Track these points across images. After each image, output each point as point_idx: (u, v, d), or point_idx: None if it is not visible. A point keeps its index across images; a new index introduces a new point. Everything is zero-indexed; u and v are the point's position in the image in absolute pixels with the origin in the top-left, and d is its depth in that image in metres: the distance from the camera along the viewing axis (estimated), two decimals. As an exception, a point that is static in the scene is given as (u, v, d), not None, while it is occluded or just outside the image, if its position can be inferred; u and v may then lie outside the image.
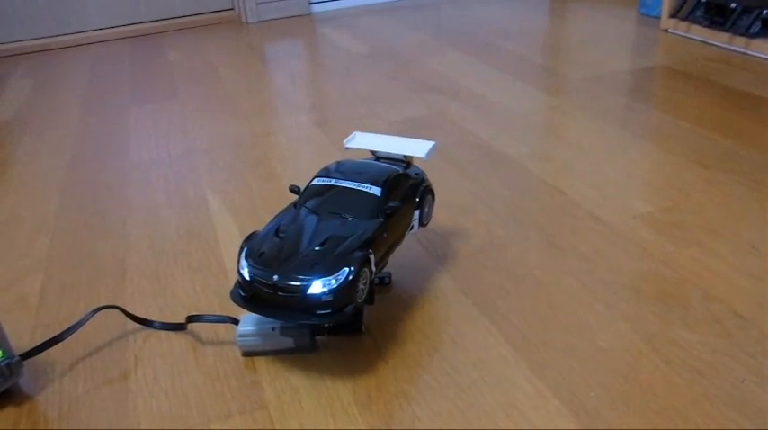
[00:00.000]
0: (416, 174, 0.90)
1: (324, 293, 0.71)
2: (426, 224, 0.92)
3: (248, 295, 0.75)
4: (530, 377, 0.75)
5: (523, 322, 0.83)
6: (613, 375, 0.74)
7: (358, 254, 0.74)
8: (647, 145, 1.28)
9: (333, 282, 0.71)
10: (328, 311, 0.72)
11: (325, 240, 0.76)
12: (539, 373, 0.75)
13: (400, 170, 0.87)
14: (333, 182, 0.83)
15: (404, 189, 0.86)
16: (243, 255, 0.76)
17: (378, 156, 0.93)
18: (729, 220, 1.01)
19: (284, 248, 0.76)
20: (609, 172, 1.19)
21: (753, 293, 0.85)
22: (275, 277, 0.72)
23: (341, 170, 0.86)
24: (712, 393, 0.71)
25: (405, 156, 0.92)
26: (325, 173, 0.86)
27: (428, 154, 0.90)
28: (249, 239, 0.78)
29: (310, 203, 0.82)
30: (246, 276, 0.74)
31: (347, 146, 0.93)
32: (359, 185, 0.83)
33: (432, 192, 0.91)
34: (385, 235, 0.80)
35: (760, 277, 0.88)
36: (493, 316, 0.85)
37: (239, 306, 0.75)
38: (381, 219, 0.80)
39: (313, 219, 0.80)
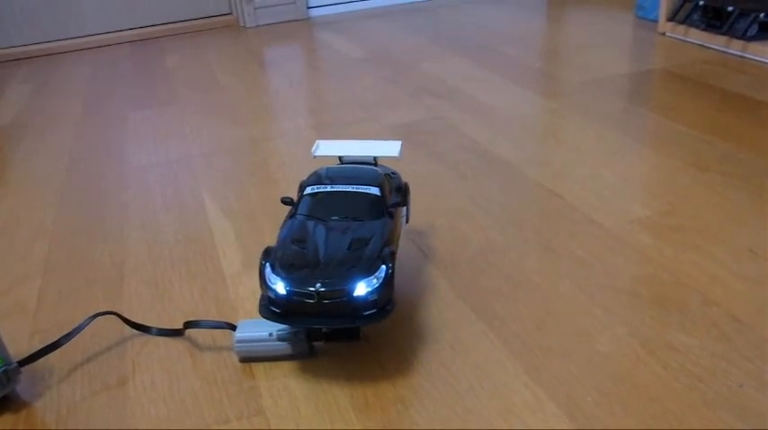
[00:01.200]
0: (393, 173, 0.92)
1: (369, 293, 0.72)
2: (408, 221, 0.94)
3: (285, 309, 0.73)
4: (527, 382, 0.75)
5: (521, 327, 0.83)
6: (611, 380, 0.74)
7: (387, 250, 0.75)
8: (644, 148, 1.28)
9: (375, 281, 0.72)
10: (374, 311, 0.73)
11: (350, 243, 0.76)
12: (536, 378, 0.75)
13: (385, 171, 0.89)
14: (329, 188, 0.83)
15: (393, 188, 0.88)
16: (268, 271, 0.74)
17: (344, 161, 0.93)
18: (727, 224, 1.01)
19: (312, 257, 0.74)
20: (607, 176, 1.19)
21: (751, 297, 0.85)
22: (317, 285, 0.71)
23: (331, 176, 0.85)
24: (710, 398, 0.71)
25: (374, 158, 0.93)
26: (316, 180, 0.85)
27: (400, 153, 0.93)
28: (267, 254, 0.76)
29: (314, 211, 0.81)
30: (282, 290, 0.72)
31: (315, 155, 0.92)
32: (357, 188, 0.83)
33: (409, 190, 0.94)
34: (395, 231, 0.82)
35: (758, 281, 0.88)
36: (490, 321, 0.85)
37: (277, 322, 0.74)
38: (387, 218, 0.81)
39: (324, 225, 0.79)
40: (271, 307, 0.74)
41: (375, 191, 0.83)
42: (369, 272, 0.73)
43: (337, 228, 0.79)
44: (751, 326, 0.80)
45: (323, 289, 0.71)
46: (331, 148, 0.94)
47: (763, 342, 0.78)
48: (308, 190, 0.84)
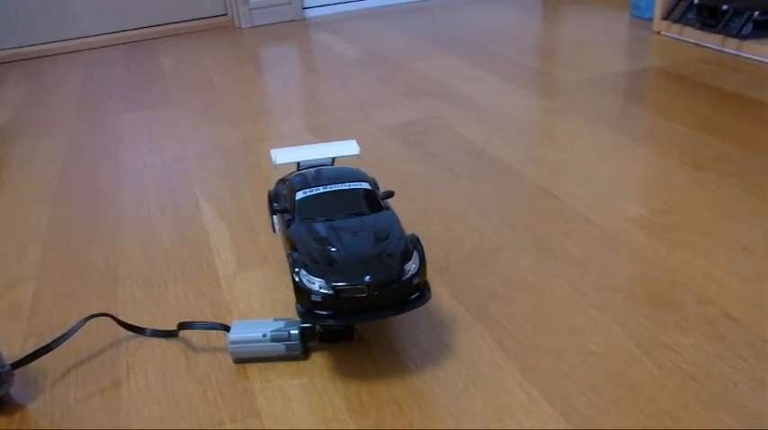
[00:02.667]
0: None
1: (412, 277, 0.73)
2: None
3: (334, 309, 0.72)
4: (521, 382, 0.74)
5: (515, 327, 0.83)
6: (605, 379, 0.74)
7: (411, 236, 0.78)
8: (639, 147, 1.28)
9: (414, 266, 0.74)
10: (417, 295, 0.74)
11: (375, 236, 0.77)
12: (530, 378, 0.75)
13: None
14: (322, 189, 0.83)
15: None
16: (305, 276, 0.73)
17: (301, 167, 0.93)
18: (722, 222, 1.01)
19: (345, 254, 0.74)
20: (602, 175, 1.19)
21: (746, 296, 0.85)
22: (367, 278, 0.72)
23: (317, 178, 0.85)
24: (705, 397, 0.71)
25: (333, 160, 0.94)
26: (302, 185, 0.84)
27: (360, 151, 0.94)
28: (296, 262, 0.74)
29: (315, 213, 0.81)
30: (329, 290, 0.71)
31: (276, 163, 0.91)
32: (349, 185, 0.84)
33: None
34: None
35: (753, 279, 0.88)
36: (485, 321, 0.85)
37: (325, 325, 0.73)
38: (386, 209, 0.83)
39: (334, 224, 0.79)
40: (315, 310, 0.73)
41: (366, 185, 0.84)
42: (406, 258, 0.74)
43: (350, 224, 0.79)
44: (746, 324, 0.80)
45: (373, 281, 0.71)
46: (290, 155, 0.94)
47: (758, 340, 0.78)
48: (300, 194, 0.83)
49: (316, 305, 0.72)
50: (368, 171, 1.28)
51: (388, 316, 0.73)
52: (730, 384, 0.72)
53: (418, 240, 0.77)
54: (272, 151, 0.94)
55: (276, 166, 0.92)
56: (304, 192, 0.83)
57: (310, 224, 0.79)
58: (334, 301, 0.72)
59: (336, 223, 0.79)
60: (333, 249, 0.75)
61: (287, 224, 0.82)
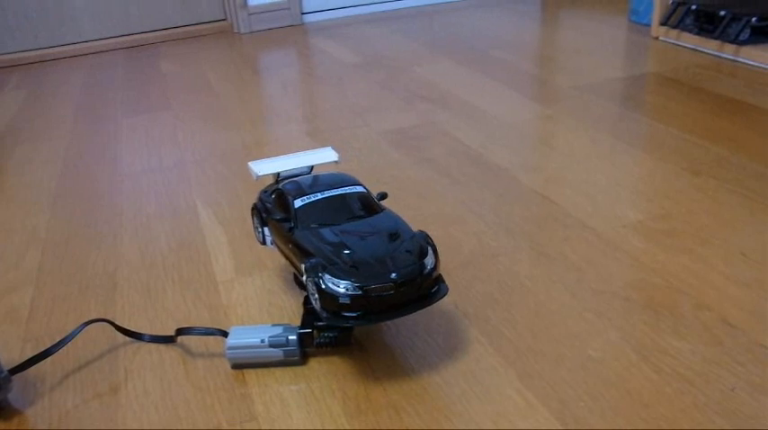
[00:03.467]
0: None
1: (431, 271, 0.75)
2: None
3: (363, 309, 0.72)
4: (519, 387, 0.75)
5: (513, 332, 0.83)
6: (603, 385, 0.74)
7: (420, 233, 0.79)
8: (638, 153, 1.28)
9: (431, 260, 0.76)
10: (436, 289, 0.76)
11: (386, 235, 0.78)
12: (528, 383, 0.75)
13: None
14: (320, 195, 0.83)
15: None
16: (330, 280, 0.72)
17: (279, 178, 0.93)
18: (720, 228, 1.02)
19: (366, 255, 0.75)
20: (600, 180, 1.19)
21: (743, 301, 0.85)
22: (393, 275, 0.72)
23: (313, 184, 0.85)
24: (702, 402, 0.71)
25: (311, 167, 0.94)
26: (299, 193, 0.83)
27: (339, 157, 0.95)
28: (316, 266, 0.74)
29: (319, 219, 0.81)
30: (358, 291, 0.71)
31: (259, 174, 0.91)
32: (346, 190, 0.84)
33: None
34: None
35: (750, 285, 0.88)
36: (483, 326, 0.85)
37: (355, 325, 0.73)
38: (383, 210, 0.84)
39: (341, 228, 0.79)
40: (343, 313, 0.72)
41: (361, 189, 0.85)
42: (423, 253, 0.76)
43: (358, 227, 0.79)
44: (743, 329, 0.80)
45: (399, 277, 0.72)
46: (270, 166, 0.94)
47: (756, 346, 0.78)
48: (299, 202, 0.82)
49: (344, 307, 0.72)
50: (366, 176, 1.28)
51: (414, 311, 0.74)
52: (728, 389, 0.72)
53: (428, 236, 0.79)
54: (250, 164, 0.94)
55: (258, 178, 0.92)
56: (302, 200, 0.82)
57: (315, 230, 0.79)
58: (363, 302, 0.72)
59: (344, 227, 0.79)
60: (350, 251, 0.75)
61: (288, 232, 0.82)
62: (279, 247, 0.86)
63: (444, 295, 0.76)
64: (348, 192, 0.84)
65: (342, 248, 0.76)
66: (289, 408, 0.75)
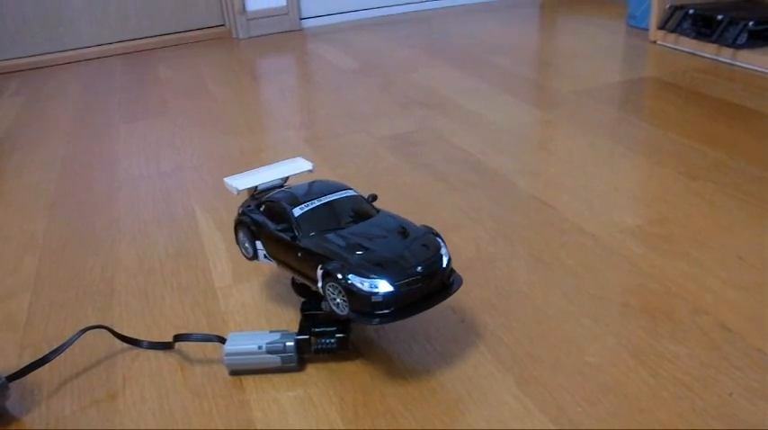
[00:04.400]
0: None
1: (448, 263, 0.77)
2: None
3: (396, 304, 0.73)
4: (517, 393, 0.74)
5: (511, 338, 0.83)
6: (601, 390, 0.74)
7: (427, 228, 0.81)
8: (635, 157, 1.29)
9: (446, 252, 0.78)
10: (452, 280, 0.78)
11: (396, 233, 0.79)
12: (525, 389, 0.75)
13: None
14: (317, 203, 0.83)
15: None
16: (360, 280, 0.72)
17: (257, 191, 0.92)
18: (717, 232, 1.02)
19: (386, 252, 0.75)
20: (597, 185, 1.19)
21: (741, 305, 0.85)
22: (419, 268, 0.74)
23: (307, 193, 0.85)
24: (700, 407, 0.71)
25: (286, 178, 0.94)
26: (294, 202, 0.83)
27: (313, 166, 0.95)
28: (340, 269, 0.73)
29: (322, 225, 0.80)
30: (389, 287, 0.72)
31: (240, 189, 0.90)
32: (340, 195, 0.84)
33: None
34: None
35: (748, 289, 0.88)
36: (480, 332, 0.85)
37: (391, 322, 0.73)
38: (380, 211, 0.85)
39: (350, 230, 0.79)
40: (377, 311, 0.72)
41: (353, 192, 0.86)
42: (438, 246, 0.78)
43: (364, 228, 0.80)
44: (741, 334, 0.80)
45: (425, 270, 0.74)
46: (249, 180, 0.93)
47: (753, 350, 0.78)
48: (299, 210, 0.82)
49: (376, 306, 0.72)
50: (364, 181, 1.28)
51: (437, 302, 0.75)
52: (725, 394, 0.72)
53: (433, 229, 0.81)
54: (227, 180, 0.93)
55: (239, 192, 0.91)
56: (301, 208, 0.82)
57: (322, 236, 0.79)
58: (396, 297, 0.72)
59: (349, 230, 0.80)
60: (368, 251, 0.75)
61: (292, 242, 0.81)
62: (278, 259, 0.85)
63: (461, 285, 0.79)
64: (343, 196, 0.84)
65: (357, 249, 0.76)
66: (286, 415, 0.75)
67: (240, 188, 0.91)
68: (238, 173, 1.00)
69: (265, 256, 0.86)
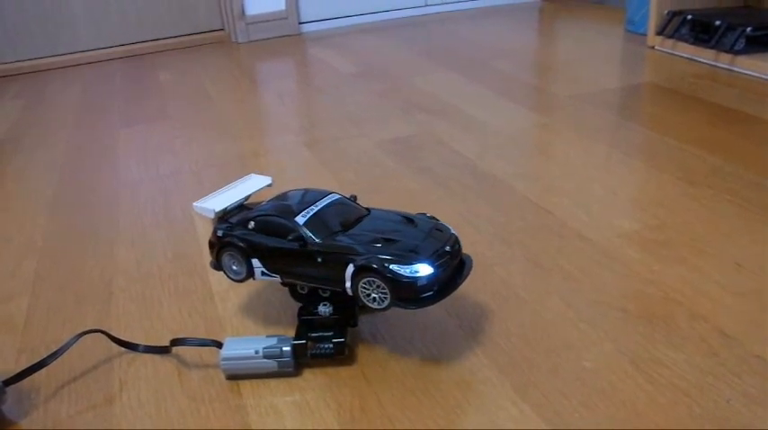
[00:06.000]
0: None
1: (460, 242, 0.82)
2: None
3: (438, 285, 0.76)
4: (514, 398, 0.74)
5: (508, 343, 0.83)
6: (598, 395, 0.74)
7: (426, 215, 0.84)
8: (634, 162, 1.29)
9: (456, 232, 0.82)
10: (464, 259, 0.82)
11: (404, 223, 0.82)
12: (523, 394, 0.75)
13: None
14: (315, 208, 0.82)
15: None
16: (402, 268, 0.74)
17: (223, 213, 0.90)
18: (716, 238, 1.02)
19: (408, 239, 0.77)
20: (596, 190, 1.19)
21: (738, 312, 0.85)
22: (447, 248, 0.77)
23: (301, 202, 0.84)
24: (697, 413, 0.71)
25: (249, 195, 0.93)
26: (291, 213, 0.82)
27: (272, 180, 0.96)
28: (375, 260, 0.74)
29: (326, 230, 0.80)
30: (429, 269, 0.74)
31: (217, 211, 0.88)
32: (331, 198, 0.85)
33: None
34: None
35: (746, 295, 0.88)
36: (478, 337, 0.85)
37: (436, 302, 0.75)
38: (371, 208, 0.87)
39: (353, 231, 0.80)
40: (421, 295, 0.75)
41: (339, 195, 0.87)
42: (446, 227, 0.82)
43: (370, 225, 0.81)
44: (738, 340, 0.80)
45: (452, 248, 0.78)
46: (220, 200, 0.91)
47: (751, 357, 0.78)
48: (301, 218, 0.80)
49: (421, 290, 0.74)
50: (363, 185, 1.28)
51: (466, 278, 0.79)
52: (723, 400, 0.72)
53: (429, 214, 0.85)
54: (197, 204, 0.90)
55: (217, 214, 0.88)
56: (303, 215, 0.81)
57: (334, 238, 0.79)
58: (436, 278, 0.75)
59: (358, 228, 0.80)
60: (391, 241, 0.77)
61: (302, 250, 0.79)
62: (287, 272, 0.82)
63: (473, 261, 0.83)
64: (334, 200, 0.85)
65: (378, 242, 0.77)
66: (283, 419, 0.74)
67: (217, 209, 0.88)
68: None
69: (263, 274, 0.84)
